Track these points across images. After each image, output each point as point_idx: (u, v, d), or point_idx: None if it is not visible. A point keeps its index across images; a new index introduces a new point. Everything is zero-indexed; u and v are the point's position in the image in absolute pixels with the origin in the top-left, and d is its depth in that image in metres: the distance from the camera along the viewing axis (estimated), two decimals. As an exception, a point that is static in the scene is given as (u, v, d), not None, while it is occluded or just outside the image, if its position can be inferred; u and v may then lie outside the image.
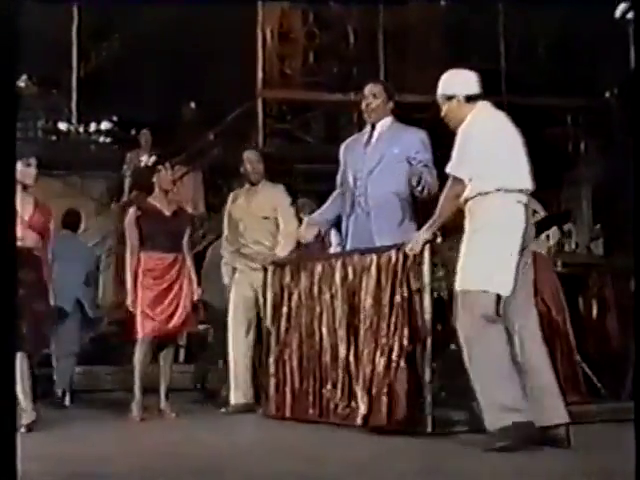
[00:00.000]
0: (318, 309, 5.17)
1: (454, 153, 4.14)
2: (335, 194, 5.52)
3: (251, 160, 6.37)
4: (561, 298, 5.62)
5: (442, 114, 4.33)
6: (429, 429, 4.42)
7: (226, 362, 6.29)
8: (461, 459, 3.89)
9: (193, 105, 11.99)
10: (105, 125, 11.88)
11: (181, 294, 5.87)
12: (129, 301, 5.82)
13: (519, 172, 4.12)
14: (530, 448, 3.84)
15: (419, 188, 4.95)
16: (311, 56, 10.16)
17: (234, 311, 6.29)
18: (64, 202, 8.10)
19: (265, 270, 5.82)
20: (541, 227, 5.80)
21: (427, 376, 4.47)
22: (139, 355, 5.80)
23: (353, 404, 4.80)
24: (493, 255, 3.98)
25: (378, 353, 4.62)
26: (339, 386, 4.94)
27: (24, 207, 5.03)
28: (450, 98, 4.28)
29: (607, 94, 10.41)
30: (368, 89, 5.33)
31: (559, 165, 9.72)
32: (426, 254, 4.49)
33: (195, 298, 5.97)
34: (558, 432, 3.97)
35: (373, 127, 5.32)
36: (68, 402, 6.87)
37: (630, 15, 9.02)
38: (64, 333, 6.76)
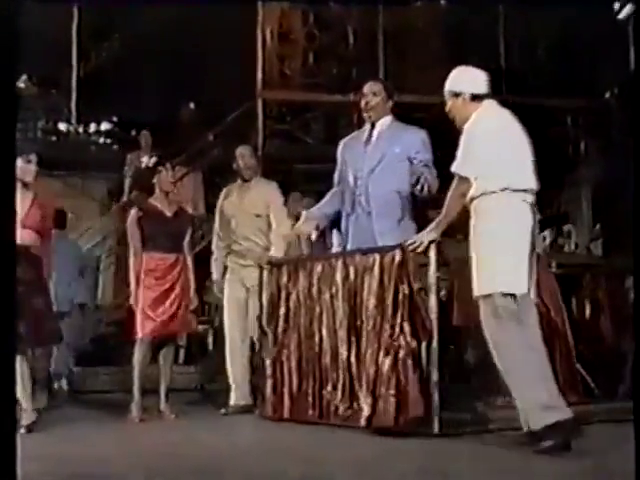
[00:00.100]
0: (318, 309, 5.14)
1: (459, 152, 4.12)
2: (333, 191, 5.49)
3: (244, 155, 6.34)
4: (559, 299, 5.62)
5: (446, 109, 4.32)
6: (436, 430, 4.40)
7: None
8: (469, 460, 3.87)
9: (193, 106, 11.98)
10: (105, 126, 11.88)
11: (182, 295, 5.87)
12: (132, 301, 5.84)
13: (524, 171, 4.10)
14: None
15: (418, 187, 4.94)
16: (311, 57, 10.14)
17: (229, 312, 6.29)
18: (64, 203, 8.11)
19: (261, 269, 5.78)
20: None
21: (434, 376, 4.45)
22: (138, 355, 5.79)
23: (355, 405, 4.77)
24: (508, 256, 3.97)
25: (382, 353, 4.59)
26: (340, 387, 4.91)
27: (20, 205, 5.01)
28: (457, 95, 4.26)
29: (607, 95, 10.40)
30: (367, 87, 5.30)
31: (559, 166, 9.71)
32: (432, 254, 4.46)
33: (191, 308, 5.98)
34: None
35: (372, 126, 5.29)
36: (65, 386, 6.89)
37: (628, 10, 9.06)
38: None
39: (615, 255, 7.91)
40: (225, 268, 6.32)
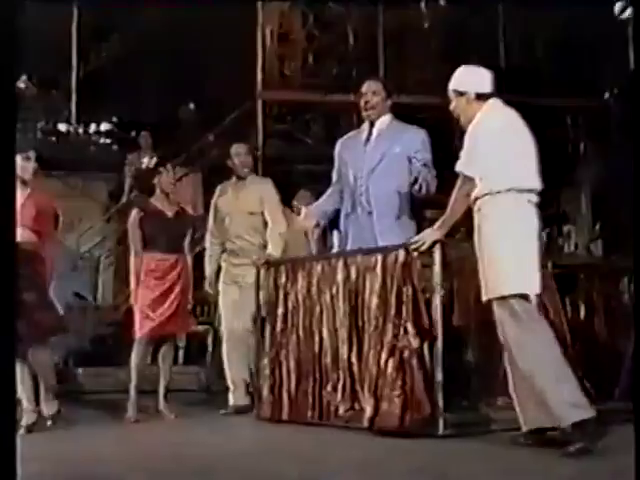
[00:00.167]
0: (318, 310, 5.12)
1: (463, 151, 4.10)
2: (331, 189, 5.48)
3: (239, 153, 6.33)
4: (557, 299, 5.61)
5: (450, 107, 4.30)
6: (440, 431, 4.38)
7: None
8: (476, 461, 3.86)
9: (193, 106, 11.98)
10: (105, 126, 11.87)
11: (182, 296, 5.88)
12: (133, 300, 5.85)
13: (530, 171, 4.09)
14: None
15: (417, 187, 4.94)
16: (311, 57, 10.14)
17: (225, 313, 6.28)
18: (65, 203, 8.09)
19: (257, 269, 5.76)
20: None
21: (439, 376, 4.42)
22: (136, 355, 5.80)
23: (357, 406, 4.75)
24: (520, 257, 3.95)
25: (385, 354, 4.55)
26: (340, 388, 4.89)
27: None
28: (461, 94, 4.24)
29: (607, 95, 10.40)
30: (367, 86, 5.29)
31: (558, 166, 9.70)
32: (437, 254, 4.44)
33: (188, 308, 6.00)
34: (556, 433, 3.98)
35: (372, 125, 5.29)
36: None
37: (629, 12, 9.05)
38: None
39: (613, 256, 7.89)
40: (219, 268, 6.31)
